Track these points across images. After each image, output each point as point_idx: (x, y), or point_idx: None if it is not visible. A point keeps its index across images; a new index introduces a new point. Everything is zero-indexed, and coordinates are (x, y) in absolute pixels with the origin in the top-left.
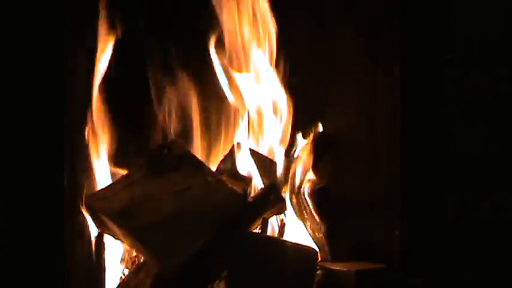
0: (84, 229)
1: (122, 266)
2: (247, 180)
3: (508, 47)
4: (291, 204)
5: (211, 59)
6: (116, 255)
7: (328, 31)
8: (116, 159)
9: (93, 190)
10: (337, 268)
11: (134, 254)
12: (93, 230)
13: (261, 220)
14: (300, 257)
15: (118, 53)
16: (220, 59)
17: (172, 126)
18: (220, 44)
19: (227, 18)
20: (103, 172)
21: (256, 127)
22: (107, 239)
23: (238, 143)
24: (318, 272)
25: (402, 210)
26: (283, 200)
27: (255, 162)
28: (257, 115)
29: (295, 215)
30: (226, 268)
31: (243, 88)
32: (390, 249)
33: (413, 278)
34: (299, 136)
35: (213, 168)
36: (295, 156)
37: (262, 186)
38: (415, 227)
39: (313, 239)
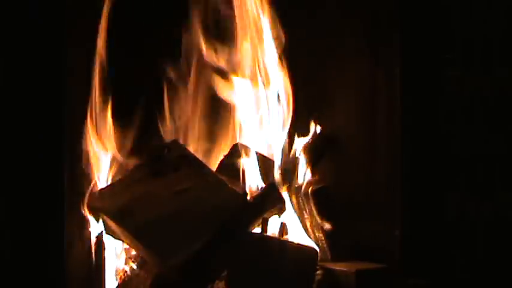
0: (84, 229)
1: (121, 266)
2: (246, 180)
3: (508, 47)
4: (291, 204)
5: (210, 59)
6: (116, 255)
7: (328, 31)
8: (116, 158)
9: (94, 190)
10: (337, 268)
11: (133, 253)
12: (93, 230)
13: (261, 220)
14: (300, 257)
15: (118, 52)
16: (219, 59)
17: (173, 126)
18: (219, 45)
19: (226, 17)
20: (103, 171)
21: (256, 127)
22: (107, 239)
23: (238, 143)
24: (318, 272)
25: (402, 210)
26: (283, 200)
27: (255, 162)
28: (257, 115)
29: (295, 215)
30: (226, 268)
31: (242, 88)
32: (390, 249)
33: (414, 278)
34: (299, 136)
35: (213, 168)
36: (295, 156)
37: (262, 186)
38: (415, 227)
39: (313, 239)
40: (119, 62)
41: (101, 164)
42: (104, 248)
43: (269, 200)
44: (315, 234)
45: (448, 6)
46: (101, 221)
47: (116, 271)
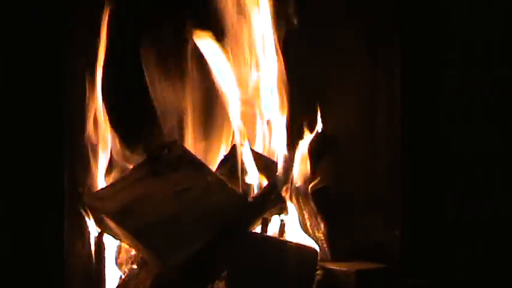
0: (84, 229)
1: (121, 266)
2: (247, 180)
3: (508, 47)
4: (291, 204)
5: (209, 60)
6: (116, 255)
7: (328, 31)
8: (116, 158)
9: (93, 190)
10: (337, 268)
11: (133, 253)
12: (93, 230)
13: (261, 220)
14: (300, 257)
15: (118, 52)
16: (218, 60)
17: (173, 126)
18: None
19: (226, 17)
20: (103, 172)
21: (256, 127)
22: (107, 239)
23: (238, 143)
24: (318, 272)
25: (402, 210)
26: (283, 200)
27: (255, 162)
28: (257, 115)
29: (295, 215)
30: (226, 268)
31: (242, 89)
32: (390, 249)
33: (414, 278)
34: (299, 136)
35: (213, 168)
36: (295, 156)
37: (262, 186)
38: (415, 226)
39: (313, 238)
40: (119, 62)
41: (101, 164)
42: (104, 248)
43: (269, 200)
44: (315, 234)
45: (448, 6)
46: (100, 221)
47: (116, 271)
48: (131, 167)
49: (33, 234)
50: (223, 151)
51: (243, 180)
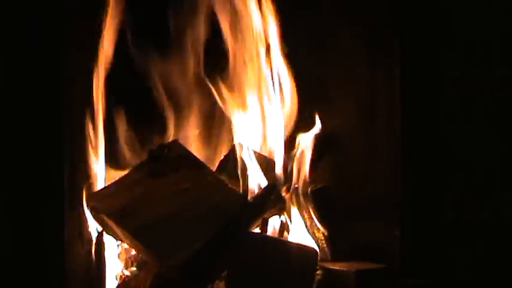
0: (84, 229)
1: (121, 266)
2: (246, 180)
3: (508, 47)
4: (291, 204)
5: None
6: (116, 255)
7: (328, 31)
8: (117, 158)
9: (93, 190)
10: (337, 268)
11: (133, 253)
12: (93, 230)
13: (261, 220)
14: (300, 257)
15: (118, 51)
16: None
17: (173, 126)
18: (218, 44)
19: (226, 16)
20: (103, 172)
21: (256, 127)
22: (107, 239)
23: (238, 143)
24: (318, 272)
25: (402, 210)
26: (283, 200)
27: (255, 162)
28: (257, 115)
29: (295, 215)
30: (226, 268)
31: (242, 89)
32: (390, 249)
33: (413, 278)
34: (299, 136)
35: (213, 168)
36: (295, 156)
37: (262, 186)
38: (415, 227)
39: (313, 239)
40: (119, 62)
41: (101, 163)
42: (104, 248)
43: (269, 200)
44: (315, 234)
45: (448, 6)
46: (100, 221)
47: (116, 271)
48: (131, 166)
49: (33, 234)
50: (223, 151)
51: (243, 180)
